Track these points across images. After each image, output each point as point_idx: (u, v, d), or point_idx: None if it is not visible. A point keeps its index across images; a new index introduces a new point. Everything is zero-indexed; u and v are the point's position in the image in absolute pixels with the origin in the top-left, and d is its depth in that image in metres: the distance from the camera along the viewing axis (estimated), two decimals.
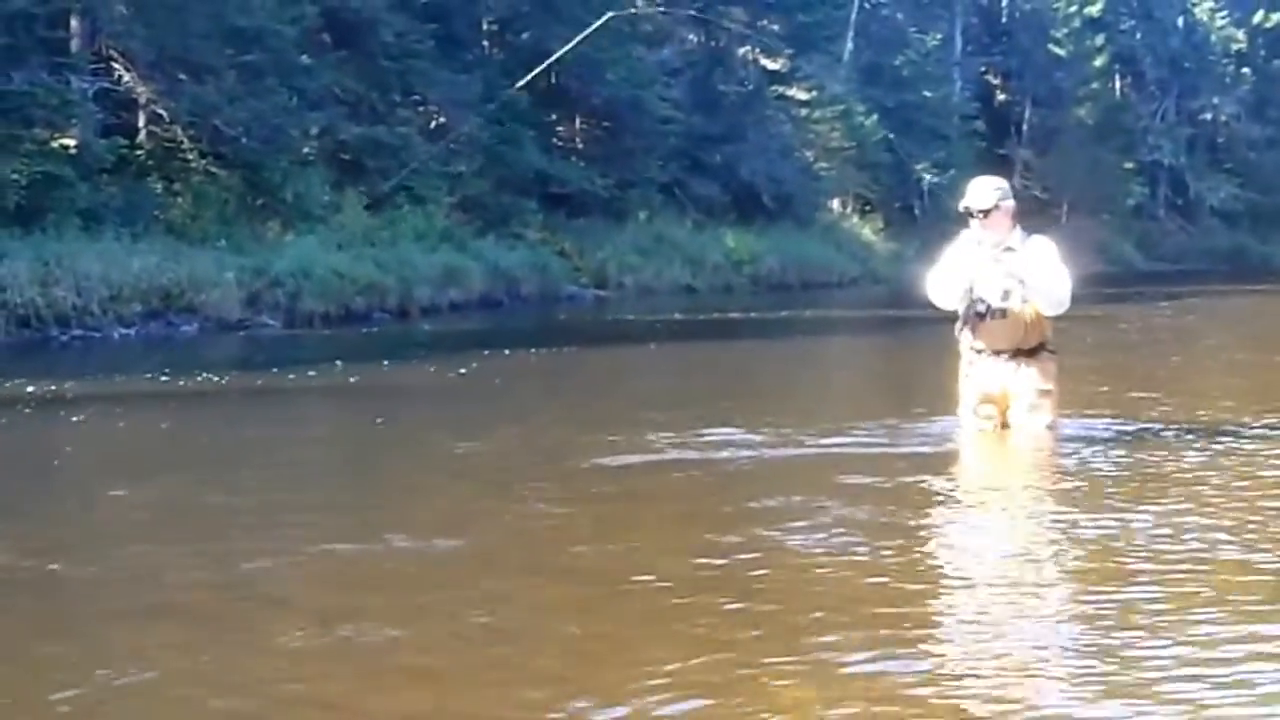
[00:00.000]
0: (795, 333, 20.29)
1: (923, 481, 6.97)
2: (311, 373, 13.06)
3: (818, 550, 5.44)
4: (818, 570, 5.13)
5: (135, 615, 4.69)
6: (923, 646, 4.24)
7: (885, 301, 29.01)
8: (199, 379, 12.09)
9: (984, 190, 8.28)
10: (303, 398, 11.67)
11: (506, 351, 15.37)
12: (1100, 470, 7.30)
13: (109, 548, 5.76)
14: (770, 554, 5.39)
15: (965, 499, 6.89)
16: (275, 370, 13.27)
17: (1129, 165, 57.32)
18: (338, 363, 13.76)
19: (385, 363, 14.16)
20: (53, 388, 11.42)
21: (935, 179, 43.79)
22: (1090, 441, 8.17)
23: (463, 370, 13.05)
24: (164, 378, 12.14)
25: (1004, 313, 8.22)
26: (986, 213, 8.20)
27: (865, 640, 4.26)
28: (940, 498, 6.70)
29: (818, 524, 5.87)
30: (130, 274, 18.08)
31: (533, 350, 15.69)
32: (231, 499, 6.76)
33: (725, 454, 7.74)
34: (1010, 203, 8.30)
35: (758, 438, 8.26)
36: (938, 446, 8.10)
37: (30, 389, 11.24)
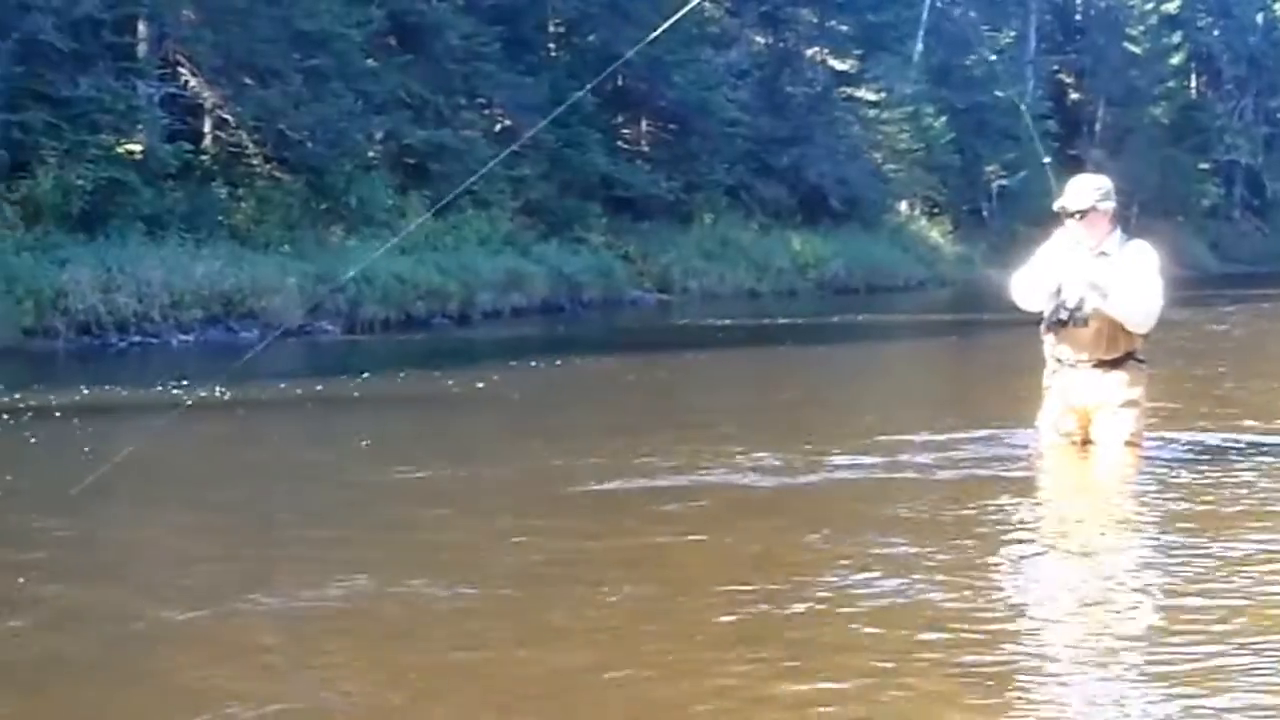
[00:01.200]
0: (861, 339, 20.07)
1: (997, 510, 6.70)
2: (364, 377, 12.98)
3: (881, 595, 5.22)
4: (881, 616, 4.90)
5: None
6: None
7: (953, 306, 28.71)
8: (246, 389, 12.07)
9: (1082, 190, 7.89)
10: (348, 408, 11.59)
11: (559, 361, 15.21)
12: (1186, 492, 6.98)
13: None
14: (826, 604, 5.12)
15: (1037, 530, 6.54)
16: (319, 381, 13.17)
17: (1204, 165, 56.46)
18: (400, 374, 13.69)
19: (437, 372, 14.02)
20: (102, 394, 11.43)
21: (1004, 181, 43.29)
22: (1176, 459, 7.83)
23: (510, 384, 12.95)
24: (218, 389, 12.13)
25: (1086, 320, 7.80)
26: (1083, 214, 7.82)
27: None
28: (1010, 529, 6.38)
29: (883, 564, 5.59)
30: (192, 280, 18.15)
31: (593, 358, 15.59)
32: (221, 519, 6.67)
33: (776, 480, 7.46)
34: (1110, 204, 7.92)
35: (815, 459, 7.96)
36: (1011, 466, 7.80)
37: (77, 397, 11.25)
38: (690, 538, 6.21)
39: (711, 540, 6.20)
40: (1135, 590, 5.27)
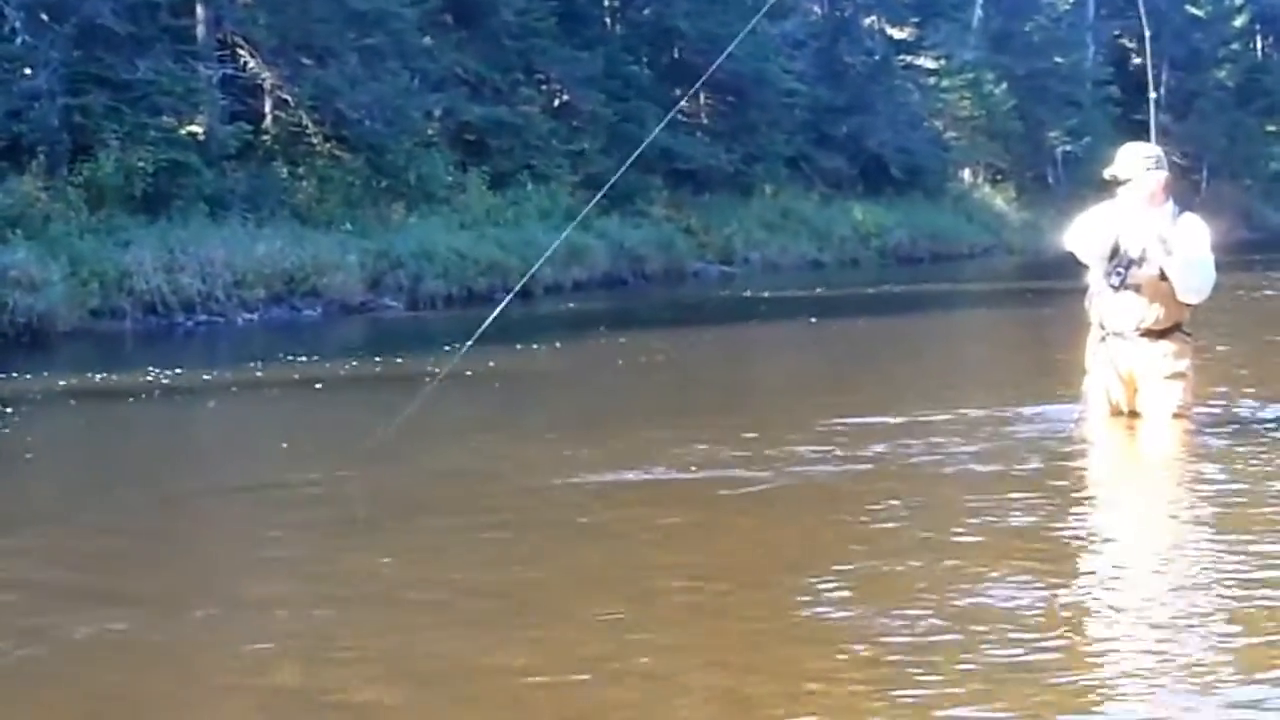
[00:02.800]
0: (925, 307, 19.85)
1: (1040, 482, 6.52)
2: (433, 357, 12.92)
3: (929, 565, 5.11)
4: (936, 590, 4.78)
5: None
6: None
7: (1019, 273, 28.37)
8: (304, 364, 12.05)
9: (1134, 158, 7.65)
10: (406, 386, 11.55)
11: (622, 339, 15.14)
12: (1237, 467, 6.71)
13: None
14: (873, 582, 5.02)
15: (1085, 507, 6.35)
16: (379, 357, 13.13)
17: (1271, 128, 55.58)
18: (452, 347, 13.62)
19: (516, 345, 13.95)
20: (179, 374, 11.48)
21: (1069, 147, 42.79)
22: (1227, 432, 7.60)
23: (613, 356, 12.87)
24: (290, 358, 12.15)
25: (1138, 287, 7.59)
26: (1131, 181, 7.58)
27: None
28: (1056, 506, 6.14)
29: (933, 541, 5.47)
30: (254, 259, 18.19)
31: (657, 331, 15.51)
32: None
33: (834, 458, 7.21)
34: (1163, 173, 7.65)
35: (870, 436, 7.70)
36: (1055, 439, 7.60)
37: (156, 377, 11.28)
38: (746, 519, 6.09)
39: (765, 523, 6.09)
40: (1192, 577, 4.96)
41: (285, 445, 8.19)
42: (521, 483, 6.77)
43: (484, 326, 7.50)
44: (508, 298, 8.29)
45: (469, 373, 11.56)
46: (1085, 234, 7.75)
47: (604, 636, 4.30)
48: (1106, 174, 7.72)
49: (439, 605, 4.74)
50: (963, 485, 6.52)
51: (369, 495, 6.57)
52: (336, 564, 5.33)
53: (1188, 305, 7.74)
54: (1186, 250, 7.49)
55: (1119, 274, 7.63)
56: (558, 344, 14.12)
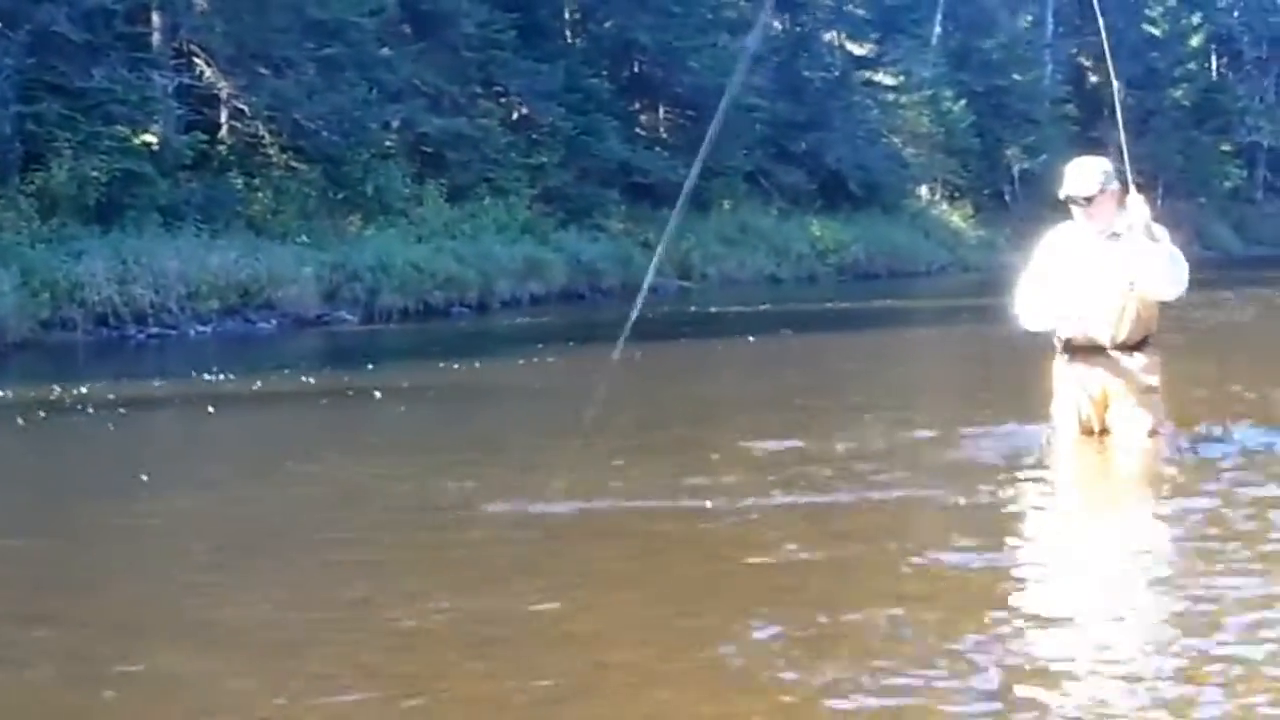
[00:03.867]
0: (880, 325, 19.81)
1: (1008, 507, 6.41)
2: (369, 367, 12.83)
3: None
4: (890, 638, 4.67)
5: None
6: None
7: (976, 290, 28.35)
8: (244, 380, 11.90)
9: (1087, 175, 7.46)
10: (359, 402, 11.44)
11: (569, 343, 15.03)
12: (1215, 487, 6.63)
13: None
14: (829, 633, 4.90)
15: (1058, 531, 6.23)
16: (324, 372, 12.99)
17: (1226, 147, 56.03)
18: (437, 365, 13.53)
19: (455, 364, 13.83)
20: (122, 390, 11.32)
21: (1026, 164, 42.99)
22: (1203, 449, 7.51)
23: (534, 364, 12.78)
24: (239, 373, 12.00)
25: (1109, 299, 7.41)
26: (1090, 199, 7.42)
27: None
28: (1026, 532, 6.08)
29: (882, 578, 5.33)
30: (208, 271, 18.04)
31: (604, 346, 15.40)
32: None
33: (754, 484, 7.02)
34: (1115, 186, 7.50)
35: (824, 469, 7.33)
36: (1022, 461, 7.41)
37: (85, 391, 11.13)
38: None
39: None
40: (1164, 607, 4.94)
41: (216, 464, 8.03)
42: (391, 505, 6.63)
43: (630, 323, 7.07)
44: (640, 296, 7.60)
45: (405, 384, 11.50)
46: (1037, 310, 7.56)
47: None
48: (1061, 194, 7.55)
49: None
50: (922, 511, 6.44)
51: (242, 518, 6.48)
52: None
53: (1156, 318, 7.60)
54: (1155, 252, 7.31)
55: (1080, 289, 7.45)
56: (520, 361, 14.02)
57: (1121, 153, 7.83)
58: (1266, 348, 14.57)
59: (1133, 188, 7.51)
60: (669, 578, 5.33)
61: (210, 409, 10.01)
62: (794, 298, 24.98)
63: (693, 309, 22.31)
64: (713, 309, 22.23)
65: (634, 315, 6.93)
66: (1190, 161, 52.28)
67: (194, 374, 12.21)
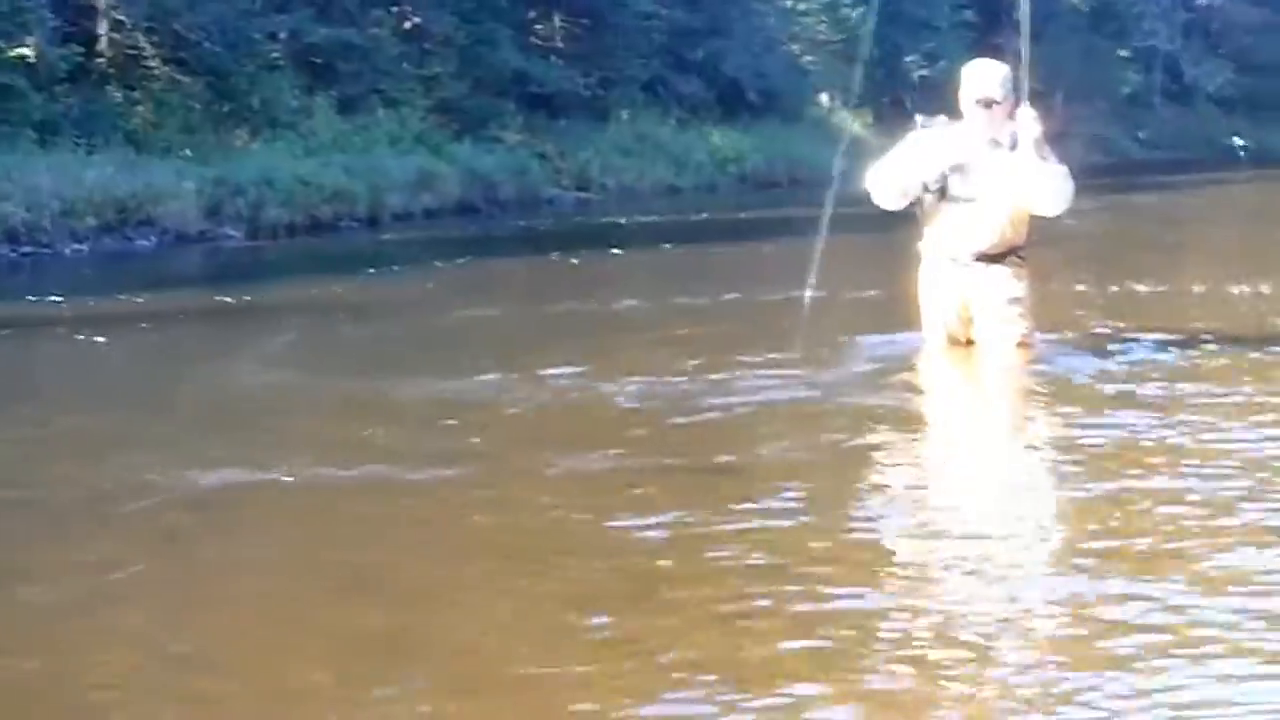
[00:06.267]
0: (779, 233, 19.69)
1: (875, 418, 6.32)
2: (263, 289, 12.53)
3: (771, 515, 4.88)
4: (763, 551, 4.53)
5: None
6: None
7: (866, 199, 28.38)
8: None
9: (995, 78, 7.46)
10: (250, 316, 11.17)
11: (461, 260, 14.83)
12: (1076, 393, 6.67)
13: None
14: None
15: (924, 437, 6.25)
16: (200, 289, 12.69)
17: (1124, 52, 56.37)
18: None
19: (338, 280, 13.58)
20: None
21: (925, 71, 42.95)
22: (1069, 358, 7.51)
23: (428, 285, 12.61)
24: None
25: (976, 209, 7.36)
26: (999, 103, 7.40)
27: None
28: (894, 438, 6.02)
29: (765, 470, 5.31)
30: (84, 187, 17.49)
31: (509, 258, 15.26)
32: None
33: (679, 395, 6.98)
34: (1014, 95, 7.49)
35: (679, 379, 7.30)
36: (890, 370, 7.36)
37: None
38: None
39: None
40: (1033, 502, 5.01)
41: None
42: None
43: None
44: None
45: (274, 303, 11.30)
46: (890, 181, 7.49)
47: None
48: (974, 98, 7.44)
49: None
50: (793, 422, 6.34)
51: None
52: None
53: (1025, 229, 7.62)
54: (1031, 171, 7.29)
55: (954, 195, 7.40)
56: (405, 276, 13.79)
57: (1020, 60, 7.66)
58: (1140, 253, 14.63)
59: (1024, 102, 7.42)
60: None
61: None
62: (696, 207, 24.82)
63: (593, 220, 22.18)
64: (622, 220, 22.03)
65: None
66: (1088, 67, 52.49)
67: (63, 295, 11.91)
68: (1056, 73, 52.08)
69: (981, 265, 7.53)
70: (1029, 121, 7.33)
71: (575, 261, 14.79)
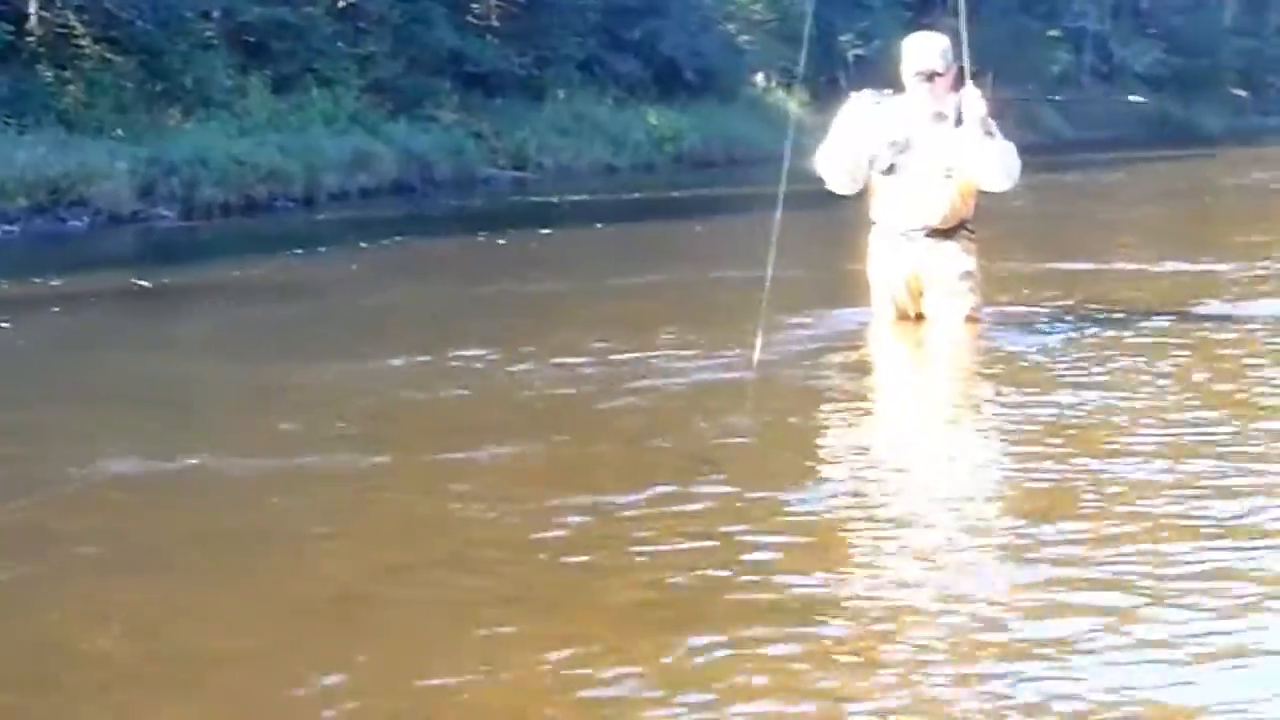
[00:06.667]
0: (717, 211, 19.78)
1: (818, 396, 6.32)
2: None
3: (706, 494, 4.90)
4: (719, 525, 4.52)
5: None
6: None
7: (810, 176, 28.48)
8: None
9: (934, 50, 7.39)
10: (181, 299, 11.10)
11: (393, 240, 14.75)
12: (1027, 365, 6.72)
13: None
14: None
15: (866, 416, 6.22)
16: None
17: (1054, 33, 56.77)
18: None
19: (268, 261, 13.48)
20: None
21: (860, 50, 43.09)
22: (1018, 331, 7.54)
23: (353, 266, 12.55)
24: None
25: (924, 182, 7.35)
26: (939, 75, 7.37)
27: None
28: (835, 417, 6.01)
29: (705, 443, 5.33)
30: (14, 167, 17.29)
31: (441, 238, 15.22)
32: None
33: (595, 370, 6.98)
34: (954, 66, 7.45)
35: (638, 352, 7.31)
36: (835, 347, 7.35)
37: None
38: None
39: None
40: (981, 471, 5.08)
41: None
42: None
43: None
44: None
45: (197, 285, 11.22)
46: (847, 156, 7.49)
47: None
48: (913, 71, 7.39)
49: None
50: (730, 401, 6.36)
51: None
52: None
53: (973, 202, 7.53)
54: (979, 146, 7.26)
55: (900, 170, 7.37)
56: (339, 256, 13.72)
57: (960, 39, 7.62)
58: (1071, 230, 14.79)
59: (969, 79, 7.42)
60: None
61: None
62: (632, 187, 24.79)
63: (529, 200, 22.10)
64: (557, 199, 21.96)
65: None
66: (1019, 48, 52.85)
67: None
68: (987, 54, 52.50)
69: (932, 241, 7.51)
70: (974, 99, 7.29)
71: (502, 242, 14.77)
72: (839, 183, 7.58)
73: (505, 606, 3.76)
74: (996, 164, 7.32)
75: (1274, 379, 6.45)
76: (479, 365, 7.10)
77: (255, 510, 4.74)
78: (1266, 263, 10.71)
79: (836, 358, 7.16)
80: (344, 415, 6.11)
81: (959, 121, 7.40)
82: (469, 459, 5.29)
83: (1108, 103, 57.15)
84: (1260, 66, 62.81)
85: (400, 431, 5.93)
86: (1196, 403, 5.93)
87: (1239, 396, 6.03)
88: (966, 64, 7.49)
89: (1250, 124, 55.41)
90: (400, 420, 6.16)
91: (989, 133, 7.27)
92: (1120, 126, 52.99)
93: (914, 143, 7.40)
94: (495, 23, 33.04)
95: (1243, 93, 62.06)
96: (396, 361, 7.23)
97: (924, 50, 7.42)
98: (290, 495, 4.92)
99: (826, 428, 5.81)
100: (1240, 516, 4.34)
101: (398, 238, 15.44)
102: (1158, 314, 8.10)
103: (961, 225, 7.57)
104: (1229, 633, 3.44)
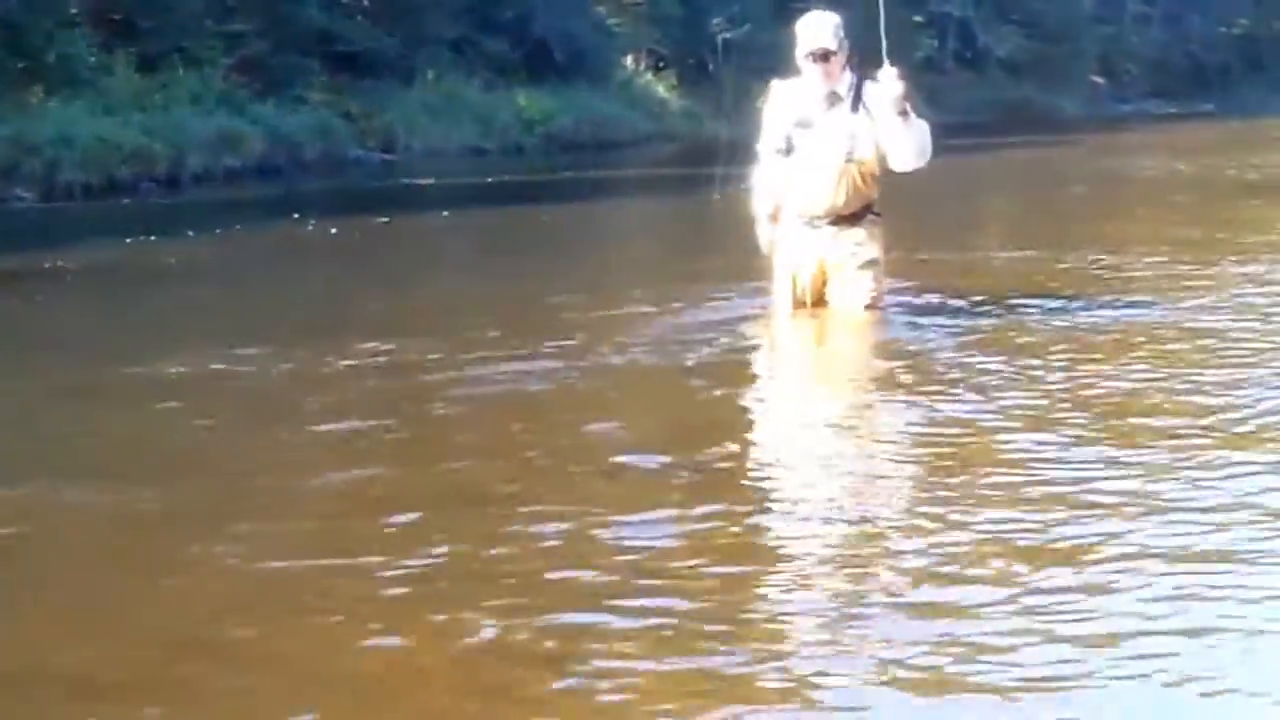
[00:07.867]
0: (589, 195, 19.89)
1: (726, 380, 6.35)
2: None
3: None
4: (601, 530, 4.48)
5: None
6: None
7: (681, 160, 28.70)
8: None
9: (827, 29, 7.17)
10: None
11: (254, 223, 14.66)
12: (931, 353, 6.70)
13: None
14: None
15: (775, 401, 6.28)
16: None
17: (918, 18, 57.50)
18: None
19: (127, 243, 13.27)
20: None
21: (729, 34, 43.38)
22: (919, 318, 7.48)
23: (213, 249, 12.49)
24: None
25: (827, 169, 7.19)
26: (832, 55, 7.17)
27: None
28: (745, 402, 6.11)
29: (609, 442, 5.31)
30: None
31: (305, 221, 15.15)
32: None
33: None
34: (847, 43, 7.30)
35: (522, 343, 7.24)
36: (740, 333, 7.33)
37: None
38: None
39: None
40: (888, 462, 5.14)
41: None
42: None
43: None
44: None
45: (69, 268, 11.12)
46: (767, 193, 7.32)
47: None
48: (804, 52, 7.20)
49: None
50: (628, 386, 6.40)
51: None
52: None
53: (877, 188, 7.37)
54: (887, 125, 7.14)
55: (801, 153, 7.20)
56: (202, 239, 13.65)
57: (879, 19, 7.41)
58: (938, 219, 15.05)
59: (886, 60, 7.30)
60: None
61: None
62: (502, 169, 24.78)
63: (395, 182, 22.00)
64: (426, 181, 21.86)
65: None
66: (887, 33, 53.50)
67: None
68: (853, 38, 53.05)
69: (836, 228, 7.34)
70: (891, 79, 7.14)
71: (342, 230, 14.73)
72: (762, 210, 7.45)
73: (375, 619, 3.88)
74: (910, 145, 7.19)
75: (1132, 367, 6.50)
76: (334, 358, 6.95)
77: (81, 535, 4.59)
78: (1134, 255, 10.68)
79: (729, 344, 7.12)
80: (180, 413, 5.97)
81: (857, 101, 7.29)
82: (325, 452, 5.39)
83: (969, 89, 57.96)
84: (1118, 53, 64.21)
85: (243, 432, 5.83)
86: (1068, 404, 5.88)
87: (1104, 387, 6.09)
88: (884, 44, 7.31)
89: (1107, 110, 56.64)
90: (243, 418, 6.09)
91: (903, 113, 7.14)
92: (980, 112, 53.82)
93: (812, 125, 7.24)
94: (365, 2, 32.82)
95: (1101, 79, 63.38)
96: (242, 351, 7.07)
97: (815, 31, 7.21)
98: (114, 510, 4.78)
99: (721, 425, 5.67)
100: (1125, 491, 4.58)
101: (261, 221, 15.29)
102: (1037, 306, 7.96)
103: (868, 209, 7.43)
104: (1089, 595, 3.72)
